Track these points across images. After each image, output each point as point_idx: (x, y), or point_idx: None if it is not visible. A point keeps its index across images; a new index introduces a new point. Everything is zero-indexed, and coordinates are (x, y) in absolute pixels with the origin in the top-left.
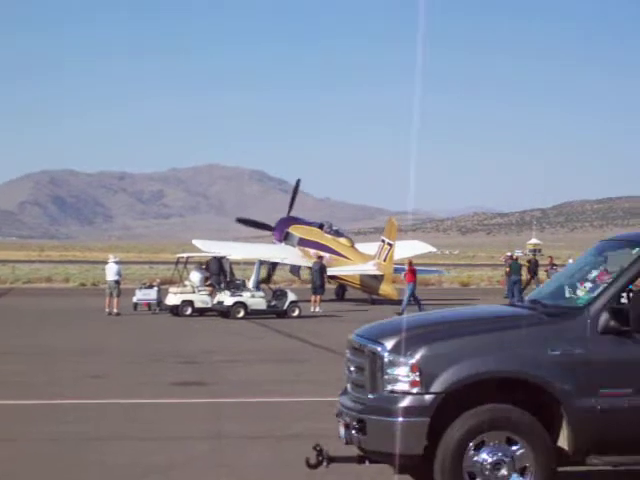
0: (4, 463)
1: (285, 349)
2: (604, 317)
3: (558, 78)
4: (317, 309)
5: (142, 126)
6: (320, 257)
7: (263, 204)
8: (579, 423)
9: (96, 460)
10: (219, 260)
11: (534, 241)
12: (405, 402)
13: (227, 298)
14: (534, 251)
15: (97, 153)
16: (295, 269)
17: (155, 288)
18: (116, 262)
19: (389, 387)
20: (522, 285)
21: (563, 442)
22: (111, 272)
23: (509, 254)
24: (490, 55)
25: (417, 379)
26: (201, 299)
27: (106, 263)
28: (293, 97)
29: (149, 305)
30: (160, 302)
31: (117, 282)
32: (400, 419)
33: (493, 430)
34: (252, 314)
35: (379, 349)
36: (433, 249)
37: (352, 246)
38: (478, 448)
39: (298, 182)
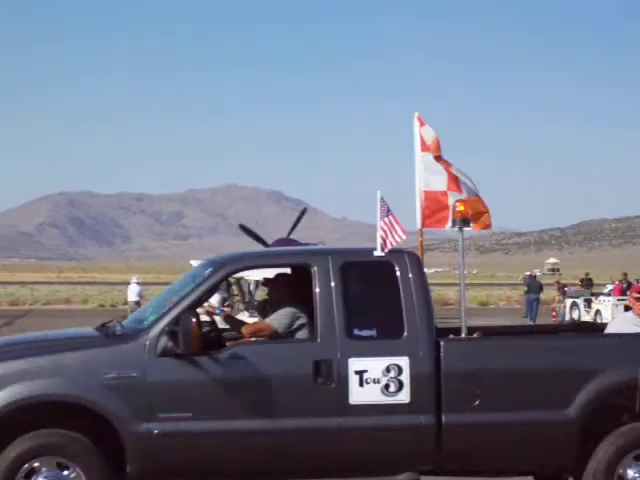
0: None
1: None
2: (163, 340)
3: (575, 95)
4: None
5: (160, 147)
6: None
7: (280, 224)
8: (137, 448)
9: None
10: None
11: (552, 260)
12: None
13: (246, 318)
14: (553, 270)
15: (115, 174)
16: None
17: None
18: (138, 283)
19: None
20: (539, 303)
21: (129, 467)
22: (133, 293)
23: (528, 273)
24: (505, 69)
25: None
26: (220, 320)
27: (128, 284)
28: (310, 118)
29: None
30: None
31: (137, 303)
32: None
33: (44, 455)
34: None
35: None
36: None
37: None
38: (30, 474)
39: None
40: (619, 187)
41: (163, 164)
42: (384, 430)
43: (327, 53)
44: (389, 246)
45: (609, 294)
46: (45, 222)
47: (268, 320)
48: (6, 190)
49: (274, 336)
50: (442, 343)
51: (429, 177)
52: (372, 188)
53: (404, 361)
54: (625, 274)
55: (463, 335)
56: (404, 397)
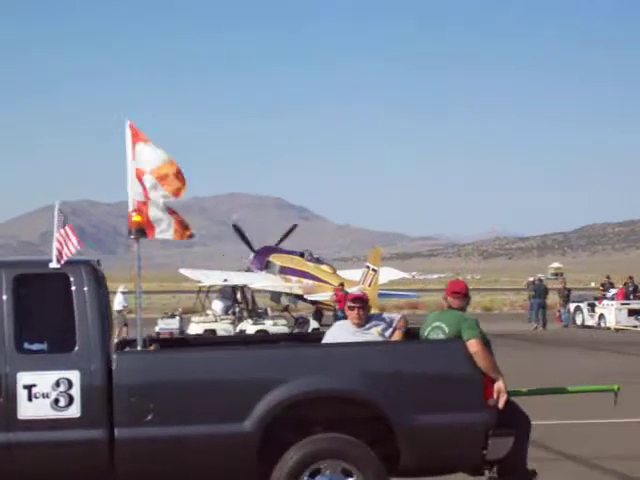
0: None
1: None
2: None
3: (578, 97)
4: None
5: None
6: (342, 284)
7: (283, 231)
8: None
9: None
10: (234, 289)
11: (556, 265)
12: None
13: (249, 326)
14: (556, 275)
15: (116, 183)
16: (276, 297)
17: (177, 317)
18: (123, 292)
19: None
20: (546, 308)
21: None
22: (116, 302)
23: (531, 278)
24: (507, 71)
25: None
26: (224, 328)
27: (129, 293)
28: (312, 124)
29: (172, 335)
30: (183, 332)
31: (119, 312)
32: None
33: None
34: None
35: None
36: (407, 275)
37: (334, 273)
38: None
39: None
40: (622, 191)
41: None
42: (55, 445)
43: (329, 55)
44: (65, 257)
45: (612, 298)
46: (48, 231)
47: None
48: (8, 200)
49: None
50: (114, 356)
51: (137, 187)
52: (376, 195)
53: (74, 375)
54: (631, 277)
55: (139, 348)
56: (74, 412)
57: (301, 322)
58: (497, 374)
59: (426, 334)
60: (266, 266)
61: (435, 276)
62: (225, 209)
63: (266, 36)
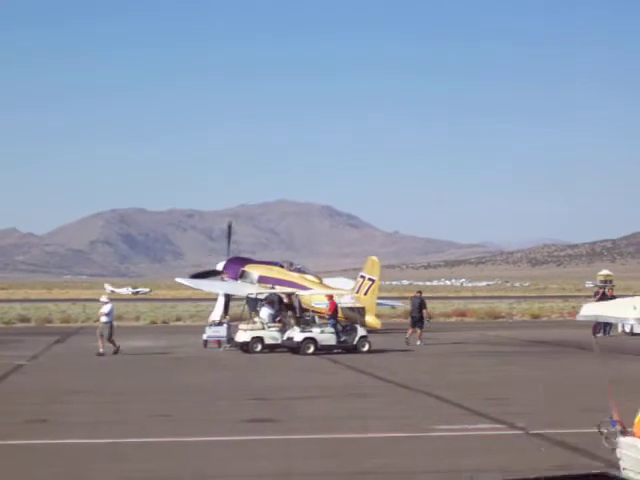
0: None
1: (356, 385)
2: None
3: (619, 108)
4: (418, 342)
5: (211, 163)
6: (420, 292)
7: (332, 239)
8: None
9: None
10: (280, 297)
11: (605, 272)
12: None
13: (297, 334)
14: (605, 282)
15: (166, 191)
16: (251, 304)
17: (225, 325)
18: (105, 302)
19: None
20: None
21: None
22: (106, 310)
23: (597, 286)
24: (554, 84)
25: None
26: (271, 335)
27: (179, 300)
28: (360, 132)
29: (219, 342)
30: (230, 339)
31: (106, 323)
32: None
33: None
34: (322, 350)
35: None
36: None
37: (321, 282)
38: None
39: (230, 224)
40: None
41: (214, 180)
42: None
43: (379, 68)
44: None
45: None
46: (97, 239)
47: None
48: (58, 208)
49: None
50: None
51: None
52: (425, 203)
53: None
54: None
55: None
56: None
57: (348, 329)
58: None
59: None
60: (241, 275)
61: (484, 283)
62: (272, 217)
63: (319, 46)
